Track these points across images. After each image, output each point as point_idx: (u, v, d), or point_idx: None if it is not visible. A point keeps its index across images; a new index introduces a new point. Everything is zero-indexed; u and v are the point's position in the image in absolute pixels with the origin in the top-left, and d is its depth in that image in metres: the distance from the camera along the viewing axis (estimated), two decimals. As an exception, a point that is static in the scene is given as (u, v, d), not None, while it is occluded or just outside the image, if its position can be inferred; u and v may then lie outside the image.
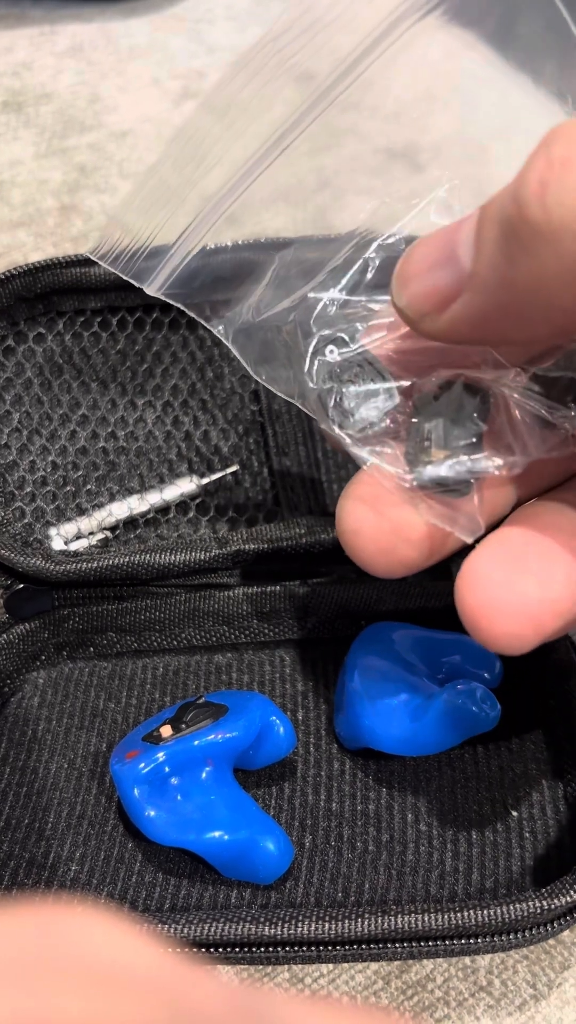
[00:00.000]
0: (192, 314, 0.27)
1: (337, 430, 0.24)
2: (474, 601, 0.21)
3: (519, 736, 0.31)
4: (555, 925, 0.26)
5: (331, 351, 0.24)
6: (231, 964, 0.28)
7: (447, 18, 0.25)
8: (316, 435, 0.36)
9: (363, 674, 0.30)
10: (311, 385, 0.24)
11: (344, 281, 0.26)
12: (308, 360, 0.24)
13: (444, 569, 0.34)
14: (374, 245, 0.26)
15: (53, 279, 0.34)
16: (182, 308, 0.27)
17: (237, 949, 0.26)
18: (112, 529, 0.35)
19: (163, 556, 0.32)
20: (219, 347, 0.36)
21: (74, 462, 0.35)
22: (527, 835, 0.29)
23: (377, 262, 0.26)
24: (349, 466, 0.36)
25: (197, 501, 0.35)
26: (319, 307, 0.25)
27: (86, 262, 0.34)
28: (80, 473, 0.35)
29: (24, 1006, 0.11)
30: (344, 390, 0.24)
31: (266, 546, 0.33)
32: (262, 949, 0.26)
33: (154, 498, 0.34)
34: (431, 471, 0.23)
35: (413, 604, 0.33)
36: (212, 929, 0.26)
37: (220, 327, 0.27)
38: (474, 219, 0.21)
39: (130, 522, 0.35)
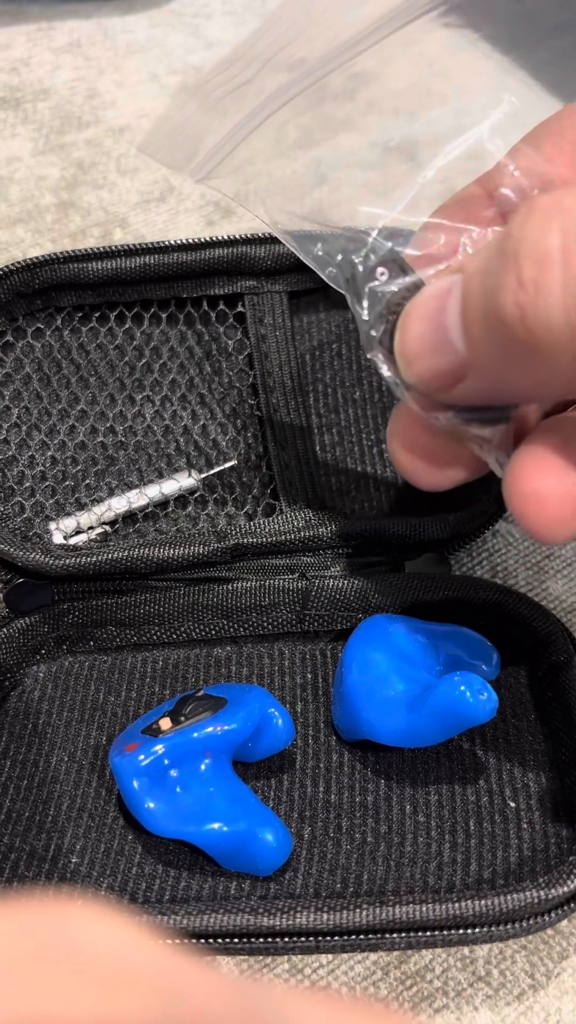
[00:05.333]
0: (235, 199, 0.27)
1: (384, 368, 0.24)
2: (524, 489, 0.23)
3: (516, 727, 0.31)
4: (553, 915, 0.27)
5: (383, 273, 0.24)
6: (231, 955, 0.28)
7: (447, 14, 0.25)
8: (314, 429, 0.36)
9: (361, 666, 0.30)
10: (364, 317, 0.24)
11: (400, 201, 0.25)
12: (362, 290, 0.24)
13: (442, 558, 0.34)
14: (430, 165, 0.25)
15: (51, 275, 0.34)
16: (224, 193, 0.27)
17: (236, 940, 0.26)
18: (111, 523, 0.35)
19: (162, 550, 0.32)
20: (216, 342, 0.36)
21: (73, 457, 0.35)
22: (524, 826, 0.29)
23: (437, 174, 0.25)
24: (347, 460, 0.36)
25: (196, 495, 0.35)
26: (373, 235, 0.24)
27: (84, 257, 0.34)
28: (79, 468, 0.35)
29: (25, 1003, 0.11)
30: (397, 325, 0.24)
31: (265, 540, 0.33)
32: (261, 940, 0.26)
33: (153, 492, 0.35)
34: (467, 409, 0.23)
35: (411, 597, 0.33)
36: (212, 920, 0.26)
37: (262, 213, 0.26)
38: (458, 303, 0.21)
39: (129, 516, 0.35)
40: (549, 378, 0.21)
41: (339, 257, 0.25)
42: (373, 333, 0.24)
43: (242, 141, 0.27)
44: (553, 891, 0.26)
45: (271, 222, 0.26)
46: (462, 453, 0.25)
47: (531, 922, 0.26)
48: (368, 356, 0.24)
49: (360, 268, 0.24)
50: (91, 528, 0.34)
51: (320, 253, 0.25)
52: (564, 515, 0.23)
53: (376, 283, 0.24)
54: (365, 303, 0.24)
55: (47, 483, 0.35)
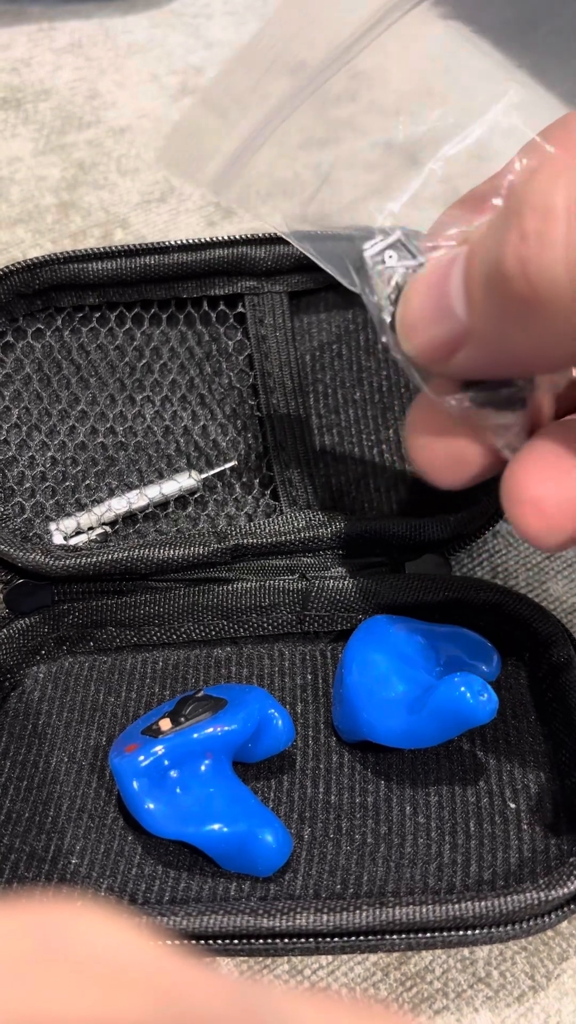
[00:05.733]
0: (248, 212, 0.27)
1: (399, 353, 0.24)
2: (521, 494, 0.23)
3: (517, 728, 0.31)
4: (553, 916, 0.26)
5: (391, 256, 0.24)
6: (230, 956, 0.28)
7: (441, 8, 0.25)
8: (314, 430, 0.36)
9: (361, 667, 0.30)
10: (373, 300, 0.24)
11: (405, 192, 0.25)
12: (371, 275, 0.24)
13: (442, 559, 0.34)
14: (437, 155, 0.25)
15: (51, 275, 0.34)
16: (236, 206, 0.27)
17: (236, 941, 0.26)
18: (111, 524, 0.35)
19: (162, 551, 0.32)
20: (217, 342, 0.36)
21: (73, 457, 0.35)
22: (525, 827, 0.29)
23: (439, 173, 0.25)
24: (347, 461, 0.36)
25: (196, 496, 0.35)
26: (380, 222, 0.24)
27: (84, 258, 0.34)
28: (79, 468, 0.35)
29: (24, 1003, 0.11)
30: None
31: (265, 541, 0.33)
32: (261, 941, 0.26)
33: (153, 493, 0.35)
34: (482, 391, 0.23)
35: (411, 598, 0.33)
36: (211, 921, 0.26)
37: (279, 223, 0.26)
38: (461, 270, 0.21)
39: (129, 517, 0.35)
40: (549, 340, 0.20)
41: (350, 250, 0.25)
42: (384, 317, 0.24)
43: (254, 154, 0.27)
44: (553, 892, 0.26)
45: (287, 229, 0.26)
46: (480, 447, 0.25)
47: (531, 923, 0.26)
48: (382, 340, 0.24)
49: (368, 254, 0.24)
50: (91, 529, 0.34)
51: (331, 248, 0.25)
52: (561, 523, 0.23)
53: (383, 265, 0.24)
54: (373, 285, 0.24)
55: (47, 484, 0.35)
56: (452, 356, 0.22)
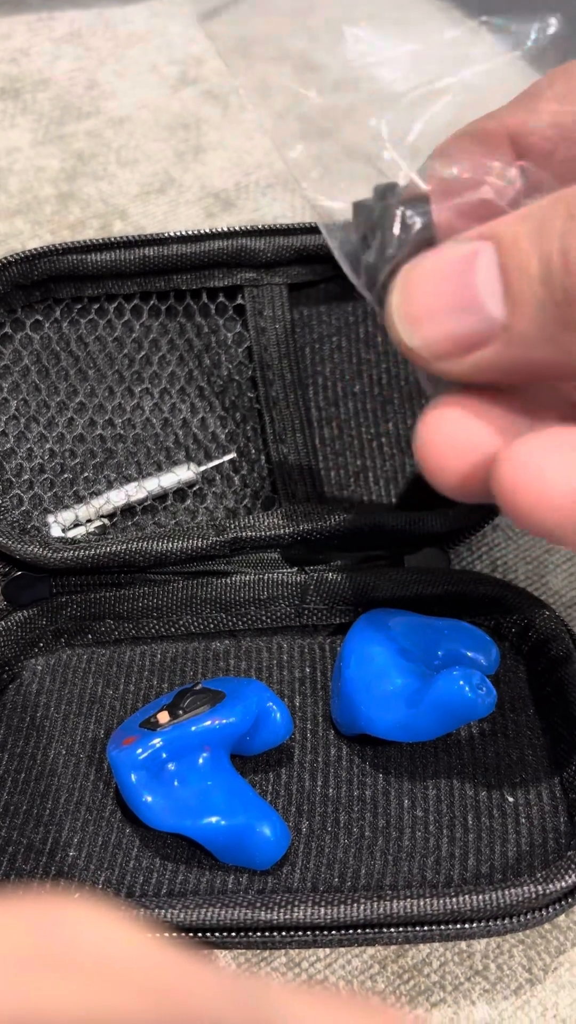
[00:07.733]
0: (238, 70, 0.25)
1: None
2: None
3: (515, 722, 0.31)
4: (551, 910, 0.27)
5: (411, 213, 0.22)
6: (228, 949, 0.28)
7: None
8: (314, 422, 0.36)
9: (360, 660, 0.30)
10: (389, 252, 0.22)
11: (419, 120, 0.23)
12: (389, 223, 0.22)
13: (441, 553, 0.34)
14: (446, 79, 0.24)
15: (50, 266, 0.33)
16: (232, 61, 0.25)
17: (234, 934, 0.26)
18: (110, 516, 0.35)
19: (160, 543, 0.32)
20: (216, 334, 0.36)
21: (71, 450, 0.35)
22: (523, 820, 0.29)
23: (455, 98, 0.24)
24: (347, 454, 0.36)
25: (194, 488, 0.35)
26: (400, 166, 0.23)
27: (83, 249, 0.34)
28: (77, 461, 0.35)
29: (19, 1000, 0.11)
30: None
31: (263, 534, 0.33)
32: (258, 934, 0.26)
33: (151, 485, 0.34)
34: None
35: (410, 591, 0.33)
36: (209, 914, 0.26)
37: (265, 116, 0.25)
38: (494, 265, 0.20)
39: (128, 509, 0.35)
40: None
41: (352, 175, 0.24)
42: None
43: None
44: (551, 886, 0.26)
45: (269, 124, 0.25)
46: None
47: (529, 917, 0.26)
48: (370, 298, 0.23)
49: (398, 208, 0.22)
50: (89, 521, 0.34)
51: (332, 162, 0.24)
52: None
53: (405, 214, 0.22)
54: (396, 234, 0.22)
55: (45, 476, 0.34)
56: (472, 351, 0.21)
